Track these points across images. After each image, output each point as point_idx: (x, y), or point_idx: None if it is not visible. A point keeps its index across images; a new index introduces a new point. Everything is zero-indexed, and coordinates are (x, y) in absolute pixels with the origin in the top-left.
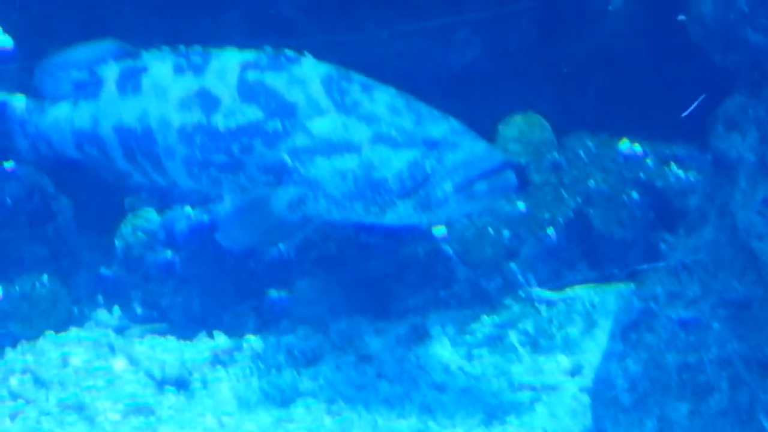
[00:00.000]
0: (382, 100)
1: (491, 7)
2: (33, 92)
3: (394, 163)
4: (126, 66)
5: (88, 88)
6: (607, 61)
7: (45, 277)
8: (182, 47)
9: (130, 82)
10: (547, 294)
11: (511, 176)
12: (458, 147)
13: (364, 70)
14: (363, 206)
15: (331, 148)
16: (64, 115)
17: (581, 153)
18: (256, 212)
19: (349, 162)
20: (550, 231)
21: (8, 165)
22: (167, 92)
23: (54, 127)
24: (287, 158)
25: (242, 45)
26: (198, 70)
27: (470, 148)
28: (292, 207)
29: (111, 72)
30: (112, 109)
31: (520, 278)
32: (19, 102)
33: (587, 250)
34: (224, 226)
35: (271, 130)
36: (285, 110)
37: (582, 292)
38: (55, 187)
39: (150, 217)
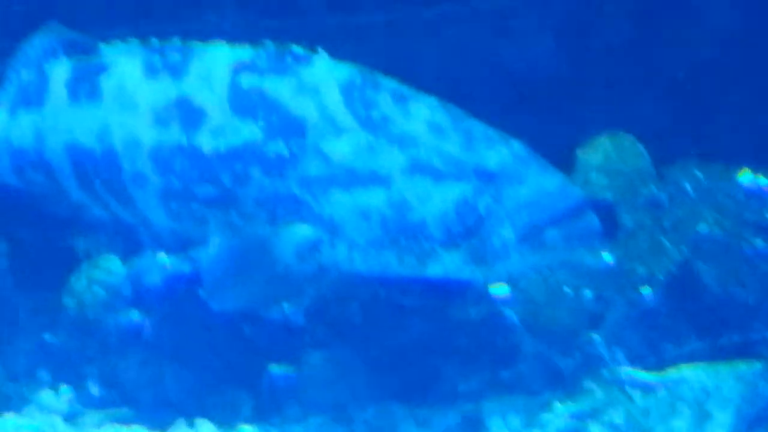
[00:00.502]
0: (421, 116)
1: None
2: None
3: (436, 201)
4: (79, 64)
5: (29, 93)
6: (721, 71)
7: None
8: (155, 40)
9: (85, 85)
10: (643, 375)
11: (593, 220)
12: (522, 180)
13: (397, 71)
14: (395, 256)
15: (353, 178)
16: None
17: (687, 187)
18: (254, 260)
19: (375, 198)
20: (646, 291)
21: None
22: (135, 101)
23: None
24: (295, 191)
25: (234, 37)
26: (176, 71)
27: (538, 182)
28: (301, 254)
29: (59, 71)
30: (62, 122)
31: (605, 353)
32: None
33: (696, 317)
34: (211, 278)
35: (272, 154)
36: (291, 128)
37: (690, 373)
38: None
39: (111, 266)
